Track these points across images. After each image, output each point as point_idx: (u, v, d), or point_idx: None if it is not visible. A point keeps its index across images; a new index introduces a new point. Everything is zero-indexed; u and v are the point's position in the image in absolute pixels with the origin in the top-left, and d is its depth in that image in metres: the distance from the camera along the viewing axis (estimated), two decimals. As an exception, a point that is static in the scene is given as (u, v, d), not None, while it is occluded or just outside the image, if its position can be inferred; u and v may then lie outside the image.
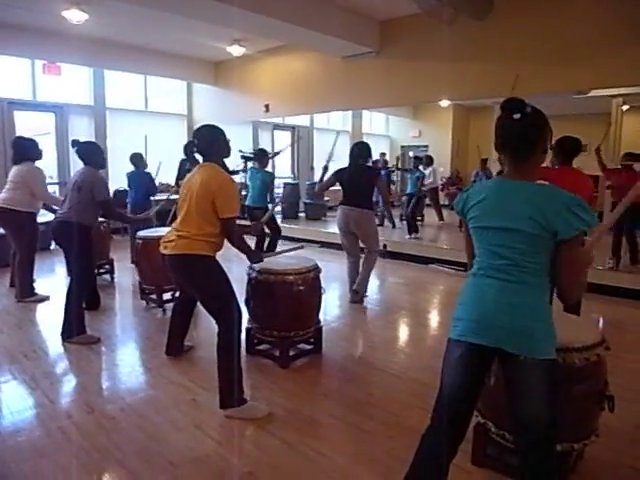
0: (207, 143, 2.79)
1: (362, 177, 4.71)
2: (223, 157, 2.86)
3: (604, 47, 5.23)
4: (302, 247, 3.79)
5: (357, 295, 4.84)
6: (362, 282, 4.85)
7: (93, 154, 3.92)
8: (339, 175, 4.80)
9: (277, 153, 8.14)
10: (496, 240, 1.61)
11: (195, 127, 2.88)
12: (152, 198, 6.32)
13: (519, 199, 1.57)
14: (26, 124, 8.13)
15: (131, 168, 6.41)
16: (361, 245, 4.94)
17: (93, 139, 8.55)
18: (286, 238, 8.58)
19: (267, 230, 6.09)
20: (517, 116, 1.58)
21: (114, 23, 7.27)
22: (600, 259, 5.43)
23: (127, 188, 6.66)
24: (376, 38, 7.17)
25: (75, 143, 3.96)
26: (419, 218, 9.72)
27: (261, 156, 6.37)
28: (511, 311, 1.56)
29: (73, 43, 7.53)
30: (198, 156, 2.85)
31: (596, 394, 2.06)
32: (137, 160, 6.42)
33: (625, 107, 9.04)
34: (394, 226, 9.40)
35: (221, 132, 2.85)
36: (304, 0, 6.13)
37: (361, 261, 4.94)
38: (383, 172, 10.05)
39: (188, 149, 2.82)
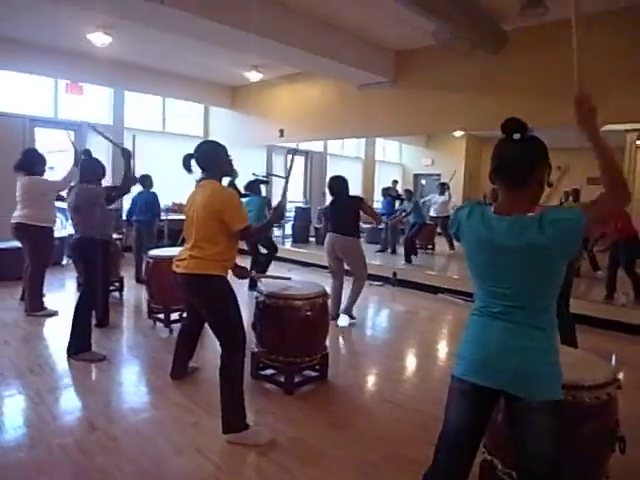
0: (207, 158, 2.79)
1: (346, 207, 5.02)
2: (224, 174, 2.86)
3: (618, 82, 5.26)
4: (289, 279, 3.79)
5: (341, 316, 5.05)
6: (348, 304, 5.10)
7: (91, 171, 4.02)
8: (324, 211, 5.33)
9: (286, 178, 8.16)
10: (497, 280, 1.55)
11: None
12: (161, 218, 6.48)
13: (514, 235, 1.49)
14: (46, 141, 8.31)
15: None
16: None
17: (110, 156, 8.73)
18: (296, 262, 8.61)
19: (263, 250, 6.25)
20: (517, 136, 1.53)
21: (136, 46, 7.49)
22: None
23: (130, 206, 6.80)
24: (391, 68, 7.28)
25: (86, 153, 4.10)
26: (430, 247, 9.70)
27: (252, 186, 6.64)
28: (515, 355, 1.51)
29: (96, 64, 7.77)
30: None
31: (607, 434, 2.00)
32: (145, 181, 6.57)
33: (639, 142, 9.05)
34: (393, 252, 9.36)
35: (222, 148, 2.85)
36: (321, 29, 6.26)
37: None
38: (386, 200, 10.11)
39: (186, 162, 2.85)
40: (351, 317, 5.10)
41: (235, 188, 9.00)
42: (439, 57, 6.53)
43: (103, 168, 4.15)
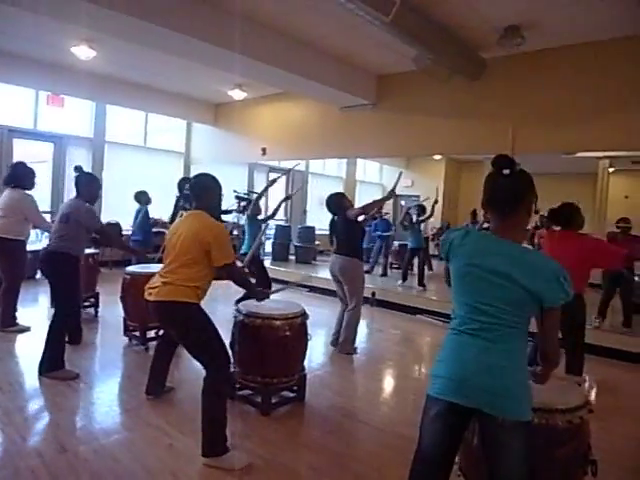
0: (202, 189, 2.83)
1: (342, 225, 4.81)
2: (213, 209, 2.87)
3: (591, 111, 5.47)
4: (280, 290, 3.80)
5: (340, 347, 4.80)
6: (344, 340, 4.78)
7: (90, 187, 3.91)
8: (330, 226, 5.05)
9: (289, 197, 8.08)
10: (481, 297, 1.62)
11: (193, 167, 2.95)
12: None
13: (505, 259, 1.59)
14: (24, 152, 8.19)
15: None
16: None
17: (90, 170, 8.64)
18: (275, 281, 8.56)
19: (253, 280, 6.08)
20: (506, 172, 1.64)
21: (120, 61, 7.48)
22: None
23: (133, 226, 6.79)
24: (373, 91, 7.42)
25: (78, 169, 3.96)
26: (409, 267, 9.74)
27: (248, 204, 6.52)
28: (490, 373, 1.57)
29: (78, 77, 7.73)
30: None
31: (579, 457, 2.04)
32: (140, 197, 6.53)
33: (611, 169, 9.37)
34: (385, 274, 9.39)
35: (218, 185, 2.90)
36: (305, 51, 6.37)
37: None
38: (379, 221, 10.12)
39: (182, 185, 2.87)
40: (351, 352, 4.77)
41: (218, 207, 9.01)
42: (420, 82, 6.69)
43: (99, 186, 4.07)
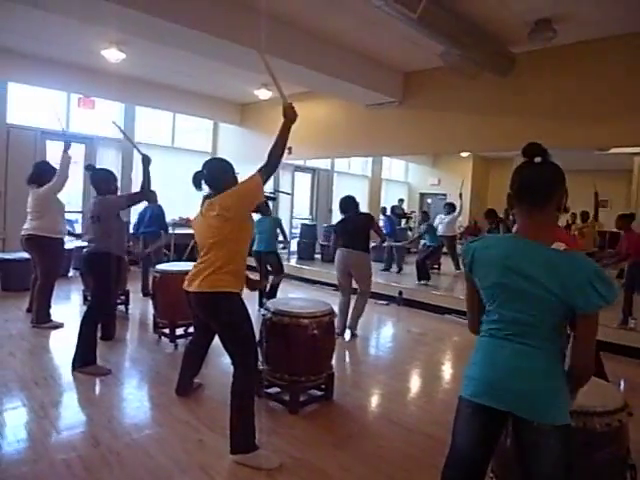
0: (215, 175, 2.80)
1: (356, 223, 5.19)
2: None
3: (624, 106, 5.29)
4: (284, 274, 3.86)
5: (347, 330, 5.17)
6: (353, 321, 5.26)
7: (106, 182, 4.00)
8: (335, 230, 5.41)
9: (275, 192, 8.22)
10: (509, 302, 1.56)
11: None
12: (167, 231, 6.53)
13: (535, 263, 1.50)
14: (56, 153, 8.39)
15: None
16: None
17: (120, 170, 8.82)
18: (301, 279, 8.61)
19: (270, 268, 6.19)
20: (538, 159, 1.56)
21: (148, 63, 7.61)
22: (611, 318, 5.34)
23: (137, 220, 6.85)
24: (399, 88, 7.35)
25: (90, 168, 4.04)
26: (436, 267, 9.65)
27: (260, 206, 6.52)
28: (523, 376, 1.51)
29: (108, 80, 7.89)
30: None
31: (618, 462, 1.98)
32: (149, 196, 6.63)
33: (646, 165, 9.06)
34: (400, 271, 9.33)
35: (230, 166, 2.86)
36: (330, 49, 6.35)
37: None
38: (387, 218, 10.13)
39: (197, 179, 2.85)
40: (353, 335, 5.24)
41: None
42: (447, 79, 6.59)
43: (115, 179, 4.14)
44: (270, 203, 8.73)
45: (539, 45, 5.59)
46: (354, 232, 5.14)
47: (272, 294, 6.05)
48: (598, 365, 3.50)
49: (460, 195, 8.92)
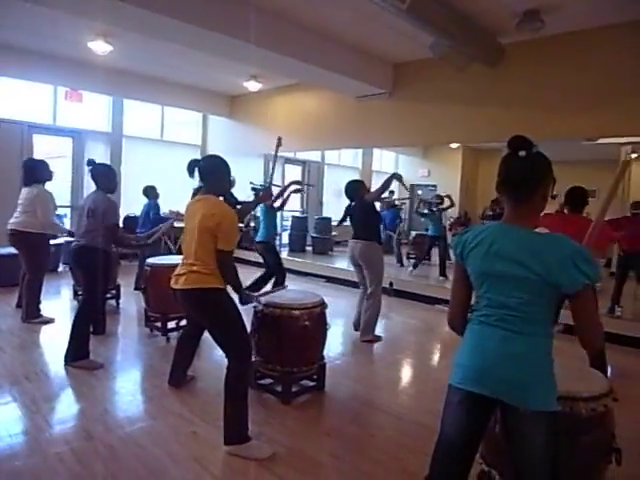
0: (211, 170, 2.81)
1: (361, 210, 4.89)
2: (223, 190, 2.87)
3: (612, 95, 5.33)
4: (285, 287, 3.87)
5: (361, 335, 4.87)
6: (365, 328, 4.84)
7: (106, 178, 3.92)
8: (347, 210, 5.11)
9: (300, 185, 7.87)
10: (498, 288, 1.59)
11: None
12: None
13: (520, 247, 1.54)
14: (44, 147, 8.32)
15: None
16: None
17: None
18: (292, 272, 8.61)
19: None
20: (522, 153, 1.58)
21: (136, 55, 7.52)
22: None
23: (138, 217, 6.76)
24: (389, 80, 7.35)
25: (90, 163, 3.99)
26: (426, 258, 9.71)
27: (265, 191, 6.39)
28: (511, 363, 1.54)
29: (96, 72, 7.80)
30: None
31: (603, 446, 2.02)
32: (148, 191, 6.57)
33: (634, 155, 9.15)
34: (402, 265, 9.36)
35: (228, 167, 2.87)
36: (320, 41, 6.32)
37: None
38: (385, 212, 10.12)
39: (192, 166, 2.84)
40: (375, 338, 4.85)
41: (232, 196, 9.02)
42: (437, 70, 6.60)
43: (114, 174, 4.06)
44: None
45: (528, 36, 5.61)
46: (360, 220, 4.91)
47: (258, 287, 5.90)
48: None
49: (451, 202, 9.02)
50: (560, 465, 1.58)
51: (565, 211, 3.81)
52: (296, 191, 6.41)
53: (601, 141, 7.26)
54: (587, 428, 1.96)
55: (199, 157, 10.39)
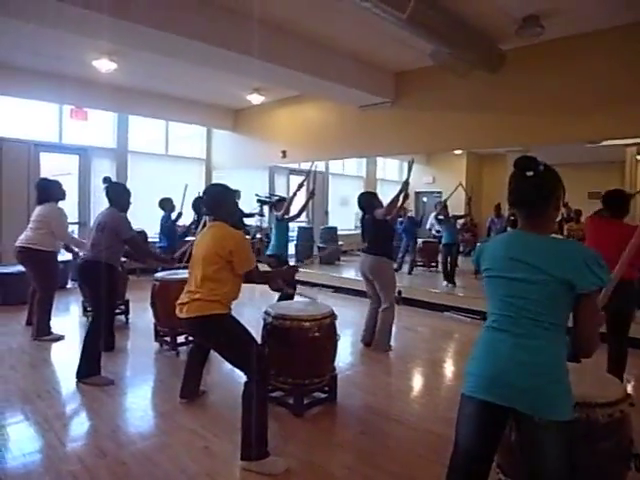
0: (216, 203, 2.86)
1: (373, 224, 4.82)
2: (230, 218, 2.90)
3: (616, 97, 5.32)
4: (315, 299, 3.92)
5: (375, 346, 4.84)
6: (379, 339, 4.82)
7: (121, 196, 4.00)
8: (361, 222, 5.06)
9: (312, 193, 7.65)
10: (511, 292, 1.60)
11: (214, 172, 2.98)
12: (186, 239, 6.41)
13: (535, 251, 1.57)
14: (50, 165, 8.41)
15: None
16: None
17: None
18: (299, 282, 8.60)
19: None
20: (530, 173, 1.62)
21: (139, 72, 7.62)
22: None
23: (159, 233, 6.75)
24: (391, 89, 7.39)
25: (107, 180, 4.04)
26: (433, 264, 9.67)
27: (277, 204, 6.27)
28: (525, 370, 1.53)
29: (100, 90, 7.91)
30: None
31: (621, 452, 1.99)
32: (165, 204, 6.57)
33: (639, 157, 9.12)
34: (410, 272, 9.31)
35: (230, 193, 2.94)
36: (322, 52, 6.37)
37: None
38: (401, 220, 10.05)
39: (197, 204, 2.89)
40: (387, 350, 4.82)
41: (238, 209, 9.05)
42: (438, 77, 6.63)
43: (129, 194, 4.09)
44: (265, 208, 8.73)
45: (528, 41, 5.64)
46: (371, 234, 4.83)
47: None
48: (623, 357, 3.52)
49: (469, 199, 8.81)
50: (578, 472, 1.56)
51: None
52: (311, 195, 6.28)
53: (605, 143, 7.25)
54: (604, 434, 1.93)
55: (204, 171, 10.39)
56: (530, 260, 1.56)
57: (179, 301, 2.85)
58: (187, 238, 5.81)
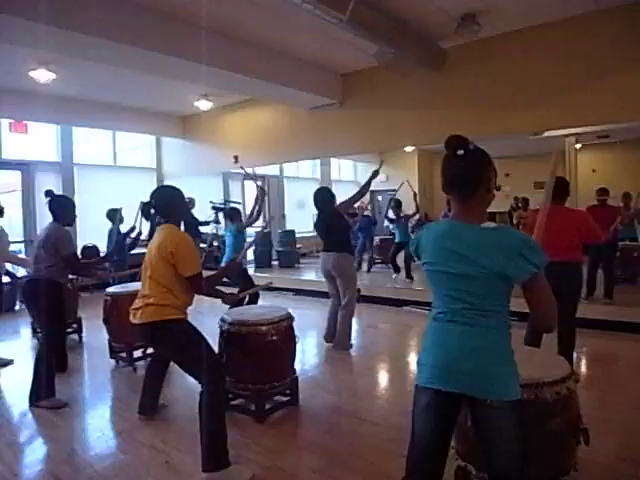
0: (164, 204, 2.78)
1: (331, 222, 4.83)
2: (181, 218, 2.85)
3: (556, 89, 5.56)
4: (271, 283, 3.93)
5: (336, 344, 4.86)
6: (340, 336, 4.85)
7: (65, 210, 3.80)
8: (315, 227, 5.07)
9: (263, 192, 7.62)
10: (452, 284, 1.62)
11: (166, 181, 2.92)
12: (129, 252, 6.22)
13: (468, 243, 1.58)
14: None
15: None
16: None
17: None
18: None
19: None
20: (460, 152, 1.61)
21: (82, 81, 7.35)
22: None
23: (107, 245, 6.49)
24: (339, 90, 7.46)
25: (49, 194, 3.86)
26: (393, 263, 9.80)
27: (233, 213, 6.22)
28: (474, 356, 1.57)
29: (40, 101, 7.57)
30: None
31: (571, 428, 2.07)
32: (112, 215, 6.34)
33: (578, 146, 9.56)
34: (369, 270, 9.41)
35: (179, 193, 2.86)
36: (270, 56, 6.36)
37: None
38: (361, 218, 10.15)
39: (146, 210, 2.81)
40: (347, 348, 4.85)
41: (192, 217, 8.89)
42: (384, 77, 6.74)
43: (73, 206, 3.92)
44: (220, 215, 8.60)
45: (467, 39, 5.81)
46: (331, 232, 4.82)
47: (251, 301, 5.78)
48: (573, 336, 3.66)
49: (414, 195, 9.00)
50: (532, 451, 1.61)
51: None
52: (262, 192, 6.27)
53: (546, 135, 7.56)
54: (554, 412, 2.01)
55: (155, 180, 10.14)
56: (466, 253, 1.57)
57: (133, 306, 2.75)
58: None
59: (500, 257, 1.52)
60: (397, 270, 8.42)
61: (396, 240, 8.48)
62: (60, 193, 4.10)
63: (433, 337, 1.69)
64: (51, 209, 3.76)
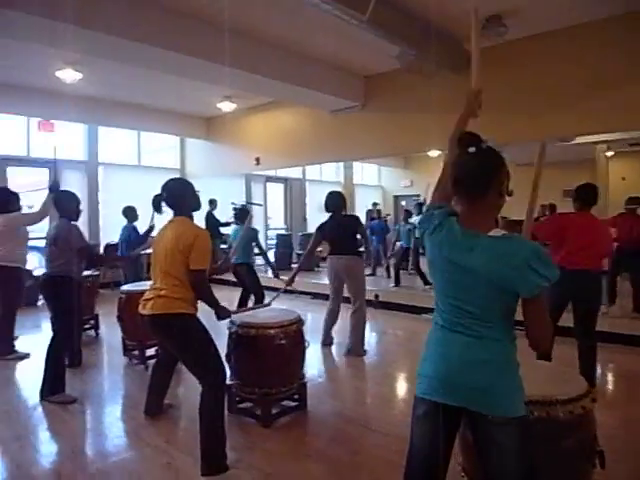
0: (176, 197, 2.77)
1: (344, 225, 4.81)
2: (193, 210, 2.83)
3: (586, 94, 5.36)
4: (269, 305, 3.80)
5: (351, 350, 4.77)
6: (354, 344, 4.76)
7: (70, 205, 3.84)
8: (321, 230, 4.93)
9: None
10: (457, 295, 1.52)
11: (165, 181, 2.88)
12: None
13: (473, 254, 1.47)
14: (20, 180, 8.21)
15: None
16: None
17: (86, 193, 8.66)
18: (279, 290, 8.50)
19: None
20: (472, 149, 1.52)
21: (108, 81, 7.48)
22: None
23: (120, 242, 6.56)
24: (361, 92, 7.38)
25: (53, 189, 3.89)
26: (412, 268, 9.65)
27: (241, 214, 6.25)
28: (476, 369, 1.47)
29: (67, 101, 7.70)
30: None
31: (585, 449, 1.95)
32: (127, 212, 6.41)
33: (609, 153, 9.25)
34: (389, 276, 9.28)
35: (189, 185, 2.85)
36: (292, 58, 6.35)
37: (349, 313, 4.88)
38: (376, 222, 10.15)
39: (157, 202, 2.79)
40: (362, 354, 4.76)
41: (213, 218, 8.93)
42: (406, 79, 6.63)
43: (77, 201, 3.96)
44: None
45: (492, 41, 5.66)
46: (343, 235, 4.75)
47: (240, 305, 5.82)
48: (594, 352, 3.52)
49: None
50: (542, 472, 1.51)
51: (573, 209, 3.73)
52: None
53: (576, 141, 7.34)
54: (566, 432, 1.88)
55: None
56: (469, 264, 1.47)
57: (143, 297, 2.74)
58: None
59: (508, 270, 1.41)
60: (427, 283, 7.90)
61: (404, 246, 8.43)
62: (68, 189, 4.11)
63: (434, 347, 1.60)
64: (56, 205, 3.81)
